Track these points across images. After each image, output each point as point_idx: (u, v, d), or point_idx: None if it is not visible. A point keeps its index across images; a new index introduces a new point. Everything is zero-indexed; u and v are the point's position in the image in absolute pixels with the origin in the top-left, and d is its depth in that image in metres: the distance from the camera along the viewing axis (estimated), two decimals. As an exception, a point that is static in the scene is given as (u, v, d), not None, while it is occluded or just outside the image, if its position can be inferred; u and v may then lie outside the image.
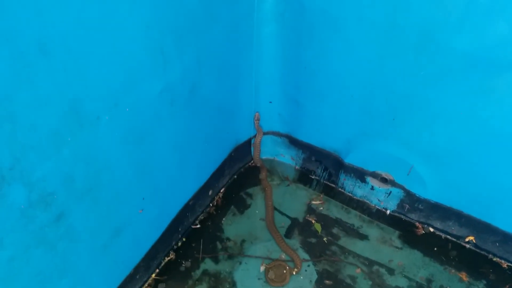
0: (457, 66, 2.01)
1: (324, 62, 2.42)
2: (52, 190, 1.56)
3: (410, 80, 2.20)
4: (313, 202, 3.04)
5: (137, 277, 2.45)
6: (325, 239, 2.82)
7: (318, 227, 2.87)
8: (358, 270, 2.65)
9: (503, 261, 2.64)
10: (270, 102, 2.89)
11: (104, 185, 1.83)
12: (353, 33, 2.18)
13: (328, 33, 2.27)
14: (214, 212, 2.98)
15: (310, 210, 3.00)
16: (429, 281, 2.60)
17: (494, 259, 2.66)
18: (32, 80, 1.30)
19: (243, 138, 3.08)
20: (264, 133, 3.11)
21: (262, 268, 2.65)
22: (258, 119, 3.01)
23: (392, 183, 2.77)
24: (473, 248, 2.71)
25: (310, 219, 2.93)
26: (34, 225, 1.55)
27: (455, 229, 2.71)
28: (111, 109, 1.66)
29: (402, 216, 2.89)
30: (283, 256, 2.71)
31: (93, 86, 1.54)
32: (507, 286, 2.56)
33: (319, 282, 2.60)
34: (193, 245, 2.77)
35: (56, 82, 1.38)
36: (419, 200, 2.73)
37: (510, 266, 2.63)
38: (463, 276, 2.61)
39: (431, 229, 2.81)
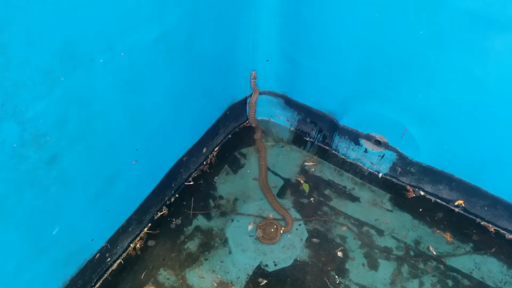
0: (457, 25, 1.99)
1: (323, 19, 2.38)
2: (45, 131, 1.55)
3: (408, 40, 2.18)
4: (306, 163, 3.06)
5: (130, 229, 2.47)
6: (312, 199, 2.86)
7: (306, 187, 2.90)
8: (344, 228, 2.70)
9: (490, 225, 2.69)
10: (267, 60, 2.85)
11: (98, 131, 1.82)
12: (354, -13, 2.15)
13: (328, -12, 2.23)
14: (208, 170, 2.99)
15: (303, 171, 3.02)
16: (417, 242, 2.65)
17: (482, 223, 2.71)
18: (25, 12, 1.27)
19: (239, 96, 3.06)
20: (260, 93, 3.09)
21: (250, 227, 2.68)
22: (255, 78, 2.99)
23: (386, 146, 2.78)
24: (462, 212, 2.76)
25: (299, 179, 2.96)
26: (26, 165, 1.54)
27: (445, 192, 2.75)
28: (106, 52, 1.63)
29: (394, 179, 2.92)
30: (271, 216, 2.74)
31: (88, 25, 1.50)
32: (493, 249, 2.62)
33: (309, 240, 2.64)
34: (186, 201, 2.79)
35: (50, 17, 1.35)
36: (411, 163, 2.75)
37: (497, 230, 2.68)
38: (451, 238, 2.67)
39: (422, 193, 2.84)
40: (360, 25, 2.27)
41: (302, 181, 2.94)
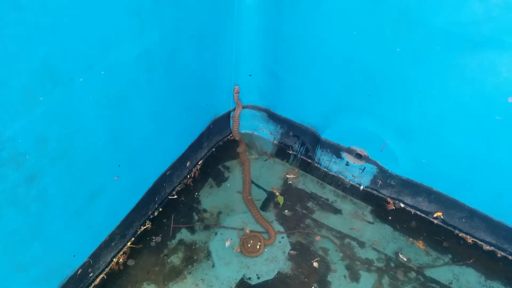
0: (432, 43, 2.05)
1: (304, 35, 2.43)
2: (24, 150, 1.55)
3: (386, 56, 2.23)
4: (287, 176, 3.10)
5: (113, 244, 2.47)
6: (295, 212, 2.89)
7: (280, 199, 2.94)
8: (318, 238, 2.73)
9: (468, 236, 2.74)
10: (250, 75, 2.90)
11: (78, 148, 1.83)
12: (334, 6, 2.20)
13: (308, 6, 2.28)
14: (192, 184, 3.00)
15: (286, 184, 3.05)
16: (397, 254, 2.69)
17: (460, 234, 2.76)
18: (2, 33, 1.28)
19: (222, 110, 3.09)
20: (244, 107, 3.13)
21: (227, 243, 2.70)
22: (238, 92, 3.02)
23: (366, 159, 2.83)
24: (441, 224, 2.81)
25: (274, 191, 3.00)
26: (5, 185, 1.55)
27: (424, 205, 2.80)
28: (86, 70, 1.65)
29: (375, 192, 2.97)
30: (248, 230, 2.75)
31: (67, 45, 1.52)
32: (472, 260, 2.67)
33: (292, 253, 2.66)
34: (169, 215, 2.80)
35: (28, 37, 1.36)
36: (391, 176, 2.80)
37: (474, 241, 2.74)
38: (430, 249, 2.71)
39: (402, 205, 2.89)
40: (339, 42, 2.33)
41: (277, 193, 2.98)
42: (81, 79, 1.64)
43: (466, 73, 2.06)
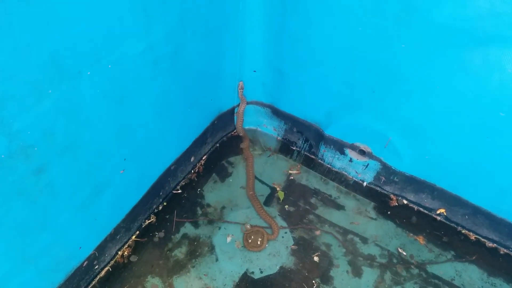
0: (436, 39, 2.05)
1: (308, 31, 2.44)
2: (33, 142, 1.58)
3: (390, 52, 2.24)
4: (291, 172, 3.12)
5: (118, 237, 2.50)
6: (298, 207, 2.91)
7: (281, 194, 2.95)
8: (318, 232, 2.75)
9: (471, 233, 2.76)
10: (254, 71, 2.91)
11: (85, 141, 1.85)
12: (339, 1, 2.20)
13: (313, 1, 2.28)
14: (196, 179, 3.03)
15: (289, 180, 3.07)
16: (400, 250, 2.70)
17: (463, 231, 2.78)
18: (11, 27, 1.31)
19: (227, 106, 3.11)
20: (248, 103, 3.15)
21: (229, 239, 2.71)
22: (242, 88, 3.04)
23: (370, 156, 2.84)
24: (444, 221, 2.82)
25: (275, 186, 3.02)
26: (14, 176, 1.57)
27: (427, 201, 2.81)
28: (93, 64, 1.67)
29: (378, 188, 2.98)
30: (249, 226, 2.77)
31: (74, 39, 1.54)
32: (474, 257, 2.68)
33: (294, 248, 2.68)
34: (174, 210, 2.82)
35: (36, 31, 1.38)
36: (394, 172, 2.81)
37: (477, 238, 2.75)
38: (433, 246, 2.72)
39: (405, 201, 2.90)
40: (344, 38, 2.33)
41: (278, 189, 2.99)
42: (89, 73, 1.66)
43: (471, 69, 2.06)
